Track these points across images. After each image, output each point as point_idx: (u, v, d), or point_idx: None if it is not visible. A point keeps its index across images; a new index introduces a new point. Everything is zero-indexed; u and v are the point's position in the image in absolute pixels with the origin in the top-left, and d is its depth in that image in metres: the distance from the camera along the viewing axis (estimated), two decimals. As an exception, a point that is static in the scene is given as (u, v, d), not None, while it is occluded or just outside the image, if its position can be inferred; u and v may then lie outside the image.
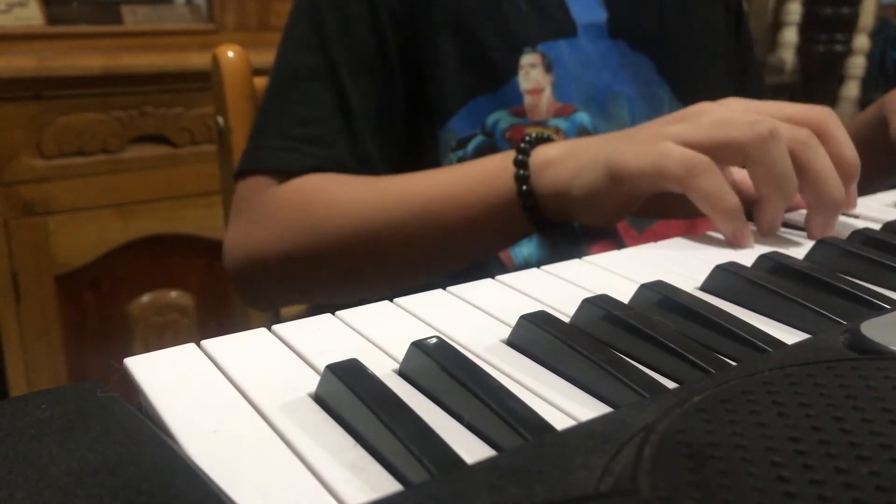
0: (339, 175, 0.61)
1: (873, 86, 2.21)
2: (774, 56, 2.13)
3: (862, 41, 2.03)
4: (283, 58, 0.66)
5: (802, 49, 1.94)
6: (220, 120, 0.72)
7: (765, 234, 0.45)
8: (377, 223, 0.55)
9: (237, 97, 0.71)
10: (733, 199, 0.42)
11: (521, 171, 0.50)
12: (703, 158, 0.43)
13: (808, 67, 1.90)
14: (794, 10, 2.06)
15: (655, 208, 0.50)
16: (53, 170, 1.32)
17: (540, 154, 0.51)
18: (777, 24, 2.15)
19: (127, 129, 1.37)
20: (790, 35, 2.09)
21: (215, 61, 0.71)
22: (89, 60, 1.31)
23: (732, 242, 0.43)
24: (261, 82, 0.73)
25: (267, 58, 1.46)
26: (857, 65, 2.05)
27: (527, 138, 0.52)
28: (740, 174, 0.47)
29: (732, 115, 0.45)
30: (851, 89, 2.08)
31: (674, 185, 0.43)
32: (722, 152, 0.43)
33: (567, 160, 0.49)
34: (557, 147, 0.51)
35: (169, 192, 1.42)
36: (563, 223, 0.52)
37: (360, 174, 0.61)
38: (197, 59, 1.36)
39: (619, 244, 0.65)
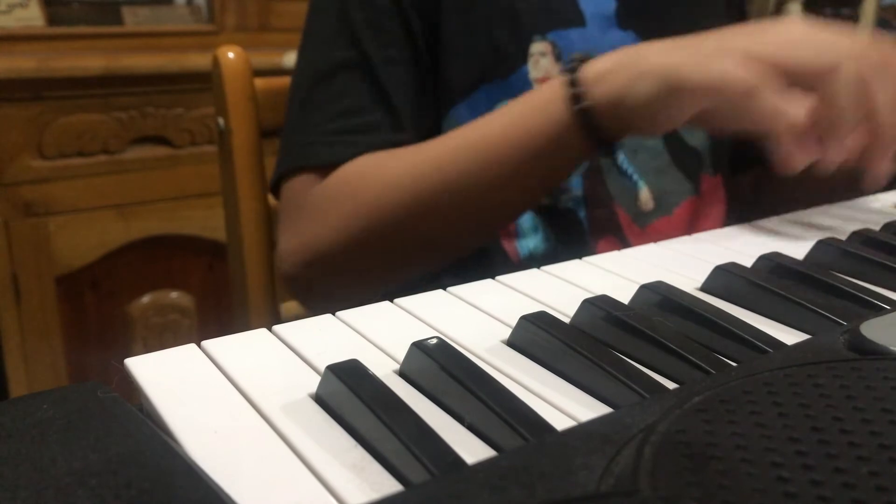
0: (382, 152, 0.60)
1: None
2: (774, 57, 2.13)
3: (862, 42, 2.03)
4: (312, 55, 0.65)
5: (802, 50, 1.94)
6: (221, 121, 0.72)
7: (829, 164, 0.44)
8: (436, 184, 0.55)
9: (238, 98, 0.71)
10: (797, 118, 0.41)
11: (575, 89, 0.50)
12: (765, 78, 0.42)
13: (808, 68, 1.90)
14: (795, 11, 2.07)
15: (706, 119, 0.49)
16: (54, 170, 1.32)
17: (590, 69, 0.50)
18: (777, 25, 2.15)
19: (127, 130, 1.37)
20: (790, 36, 2.10)
21: (216, 62, 0.72)
22: (90, 61, 1.31)
23: (785, 165, 0.42)
24: (261, 83, 0.73)
25: (268, 59, 1.46)
26: (857, 66, 2.05)
27: (569, 59, 0.52)
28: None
29: (803, 35, 0.44)
30: (851, 90, 2.08)
31: (733, 102, 0.43)
32: (790, 74, 0.43)
33: (620, 70, 0.49)
34: (606, 59, 0.51)
35: (169, 193, 1.42)
36: (618, 138, 0.51)
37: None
38: (197, 60, 1.36)
39: (623, 240, 0.65)
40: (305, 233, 0.60)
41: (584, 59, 0.52)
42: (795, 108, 0.41)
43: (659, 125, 0.49)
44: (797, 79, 0.43)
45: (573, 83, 0.50)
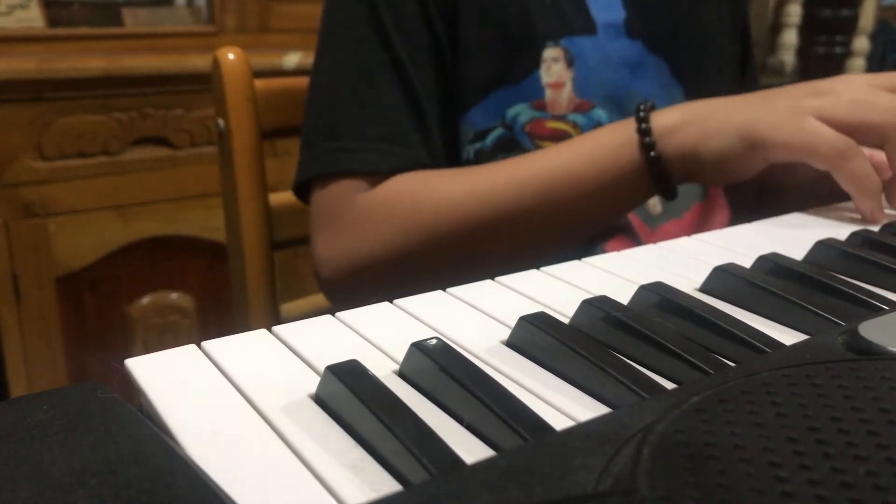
0: (433, 171, 0.61)
1: (873, 88, 2.21)
2: (774, 58, 2.13)
3: (862, 43, 2.03)
4: (341, 57, 0.65)
5: (802, 51, 1.94)
6: (221, 122, 0.72)
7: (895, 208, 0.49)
8: (494, 212, 0.56)
9: (237, 99, 0.71)
10: (877, 181, 0.46)
11: (647, 139, 0.53)
12: (851, 142, 0.46)
13: (807, 69, 1.90)
14: (794, 12, 2.07)
15: (779, 174, 0.54)
16: (54, 171, 1.32)
17: (659, 120, 0.53)
18: (777, 26, 2.15)
19: (127, 131, 1.37)
20: (790, 37, 2.09)
21: (216, 63, 0.72)
22: (90, 62, 1.31)
23: (869, 219, 0.47)
24: (261, 84, 0.73)
25: (268, 60, 1.45)
26: (857, 67, 2.05)
27: (641, 107, 0.54)
28: (869, 153, 0.51)
29: (868, 96, 0.48)
30: (851, 91, 2.07)
31: (821, 163, 0.47)
32: (861, 133, 0.47)
33: (690, 125, 0.52)
34: (674, 112, 0.53)
35: (169, 194, 1.42)
36: (683, 183, 0.55)
37: (432, 166, 0.62)
38: (197, 61, 1.36)
39: (635, 240, 0.66)
40: (351, 242, 0.61)
41: (651, 108, 0.54)
42: (875, 176, 0.46)
43: (728, 176, 0.52)
44: (872, 137, 0.47)
45: (645, 132, 0.53)
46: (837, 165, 0.46)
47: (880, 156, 0.51)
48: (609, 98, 0.66)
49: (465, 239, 0.57)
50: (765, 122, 0.48)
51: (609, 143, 0.55)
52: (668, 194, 0.55)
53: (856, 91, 0.49)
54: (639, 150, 0.53)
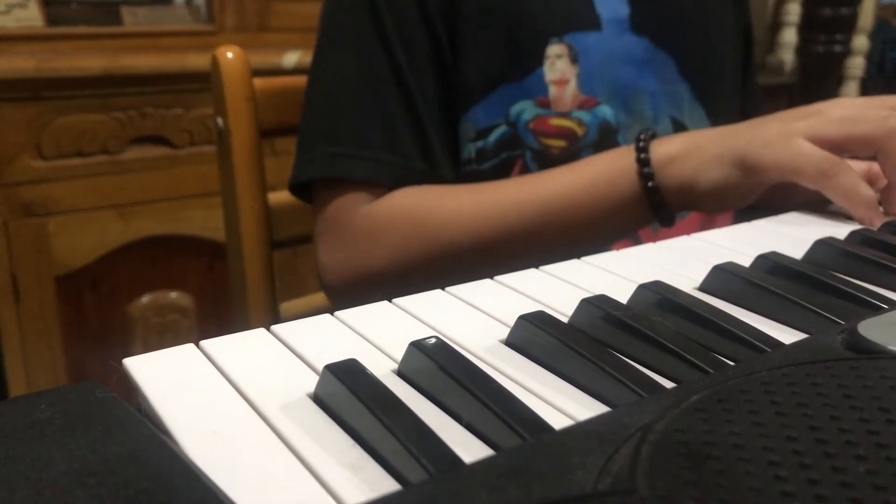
0: (435, 187, 0.62)
1: (872, 87, 2.22)
2: (773, 57, 2.13)
3: (861, 42, 2.03)
4: (340, 61, 0.64)
5: (801, 50, 1.94)
6: (220, 121, 0.72)
7: (894, 215, 0.49)
8: (496, 232, 0.57)
9: (237, 98, 0.71)
10: (869, 192, 0.46)
11: (646, 169, 0.53)
12: (836, 158, 0.47)
13: (807, 68, 1.89)
14: (794, 11, 2.07)
15: (778, 197, 0.54)
16: (53, 171, 1.32)
17: (659, 150, 0.54)
18: (776, 25, 2.15)
19: (126, 130, 1.37)
20: (789, 35, 2.10)
21: (215, 62, 0.71)
22: (89, 61, 1.31)
23: (868, 226, 0.47)
24: (260, 83, 0.73)
25: (267, 59, 1.45)
26: (857, 65, 2.05)
27: (642, 136, 0.55)
28: (861, 165, 0.52)
29: (857, 111, 0.49)
30: (851, 90, 2.08)
31: (809, 183, 0.47)
32: (853, 146, 0.48)
33: (689, 156, 0.53)
34: (674, 142, 0.54)
35: (168, 193, 1.42)
36: (681, 211, 0.55)
37: (432, 175, 0.63)
38: (196, 60, 1.36)
39: (637, 241, 0.66)
40: (354, 253, 0.62)
41: (652, 136, 0.55)
42: (866, 188, 0.47)
43: (726, 204, 0.53)
44: (864, 149, 0.48)
45: (644, 162, 0.54)
46: (824, 184, 0.47)
47: (877, 167, 0.51)
48: (614, 95, 0.66)
49: (465, 254, 0.58)
50: (756, 147, 0.49)
51: (609, 171, 0.55)
52: (666, 222, 0.55)
53: (844, 109, 0.50)
54: (637, 179, 0.54)
